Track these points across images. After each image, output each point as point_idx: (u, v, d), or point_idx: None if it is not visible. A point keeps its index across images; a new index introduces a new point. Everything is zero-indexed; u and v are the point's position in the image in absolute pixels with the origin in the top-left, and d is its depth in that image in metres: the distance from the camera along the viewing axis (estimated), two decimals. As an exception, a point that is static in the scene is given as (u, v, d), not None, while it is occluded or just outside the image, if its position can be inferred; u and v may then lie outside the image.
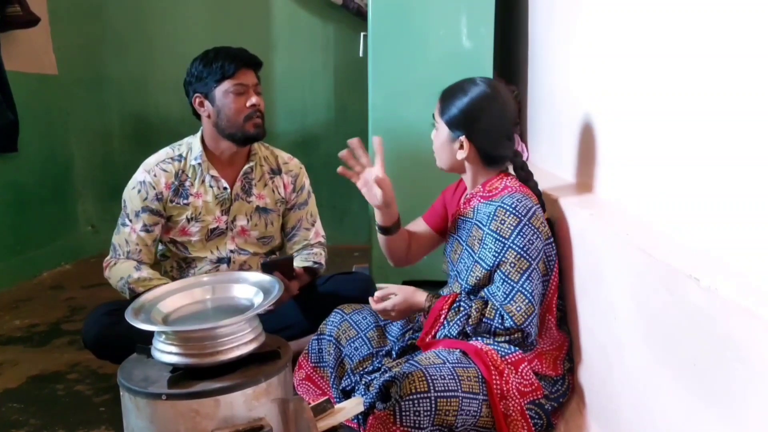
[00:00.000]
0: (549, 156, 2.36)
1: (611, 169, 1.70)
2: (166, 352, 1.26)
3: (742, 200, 1.07)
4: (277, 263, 1.96)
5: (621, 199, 1.62)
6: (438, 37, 2.47)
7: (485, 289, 1.66)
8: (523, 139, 2.75)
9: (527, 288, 1.59)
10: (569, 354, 1.72)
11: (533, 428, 1.58)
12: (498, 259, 1.62)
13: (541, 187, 1.96)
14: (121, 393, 1.27)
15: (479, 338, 1.64)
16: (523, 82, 2.74)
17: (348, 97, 3.82)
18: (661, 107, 1.37)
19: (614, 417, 1.46)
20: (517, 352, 1.61)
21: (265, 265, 1.94)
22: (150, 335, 1.32)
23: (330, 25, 3.79)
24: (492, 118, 1.68)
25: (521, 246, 1.60)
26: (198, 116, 2.09)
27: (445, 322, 1.68)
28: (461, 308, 1.67)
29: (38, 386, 2.11)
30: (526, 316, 1.59)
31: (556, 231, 1.79)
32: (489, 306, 1.63)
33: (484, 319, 1.62)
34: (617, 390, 1.44)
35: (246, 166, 2.12)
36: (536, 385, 1.61)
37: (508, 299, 1.60)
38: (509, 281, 1.60)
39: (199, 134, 2.11)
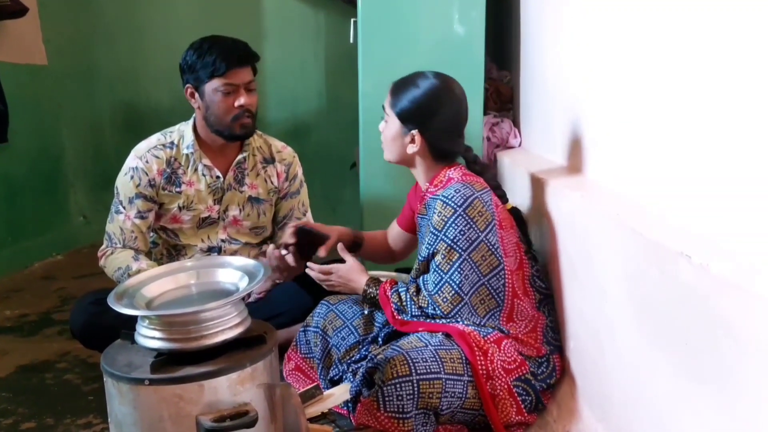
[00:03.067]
0: (541, 140, 2.35)
1: (602, 152, 1.69)
2: (149, 337, 1.24)
3: (731, 179, 1.07)
4: (312, 235, 1.89)
5: (611, 181, 1.61)
6: (429, 22, 2.44)
7: (421, 277, 1.68)
8: (516, 125, 2.73)
9: (455, 279, 1.60)
10: (546, 333, 1.70)
11: (522, 405, 1.57)
12: (431, 250, 1.64)
13: (532, 170, 1.96)
14: (104, 379, 1.25)
15: (459, 321, 1.64)
16: (516, 68, 2.73)
17: (339, 85, 3.80)
18: (650, 89, 1.37)
19: (606, 400, 1.46)
20: (496, 332, 1.61)
21: (302, 230, 1.89)
22: (135, 322, 1.31)
23: (321, 13, 3.76)
24: (445, 113, 1.68)
25: (451, 237, 1.61)
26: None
27: (395, 307, 1.68)
28: (401, 296, 1.68)
29: (27, 375, 2.10)
30: (452, 306, 1.61)
31: (546, 215, 1.78)
32: (421, 294, 1.65)
33: (421, 308, 1.65)
34: (609, 372, 1.44)
35: (239, 156, 2.11)
36: (520, 360, 1.60)
37: (437, 289, 1.62)
38: (439, 271, 1.62)
39: (191, 122, 2.09)
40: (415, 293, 1.67)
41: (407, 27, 2.46)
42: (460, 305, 1.61)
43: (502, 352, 1.59)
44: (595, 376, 1.54)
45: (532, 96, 2.49)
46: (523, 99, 2.63)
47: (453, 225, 1.60)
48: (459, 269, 1.60)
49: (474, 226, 1.61)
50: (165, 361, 1.22)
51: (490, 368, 1.56)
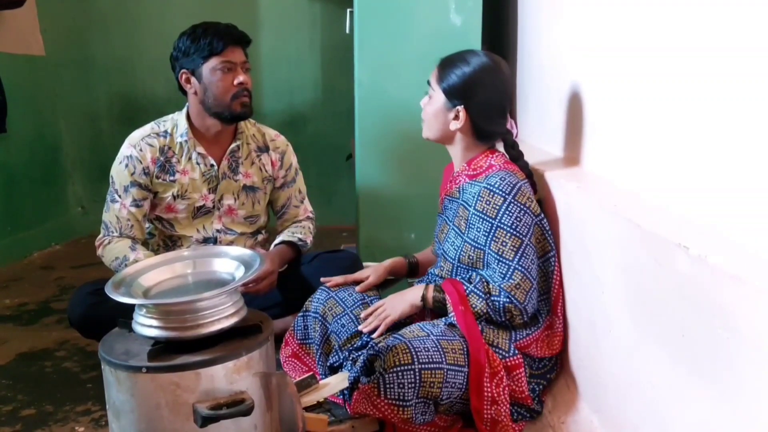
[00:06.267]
0: (537, 131, 2.35)
1: (599, 142, 1.69)
2: (146, 326, 1.25)
3: (730, 168, 1.07)
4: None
5: (608, 172, 1.61)
6: (425, 12, 2.43)
7: (482, 272, 1.64)
8: (513, 116, 2.73)
9: (523, 265, 1.58)
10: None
11: (522, 425, 1.59)
12: (489, 239, 1.61)
13: (529, 161, 1.95)
14: (102, 366, 1.27)
15: (529, 311, 1.61)
16: (513, 58, 2.72)
17: (335, 75, 3.79)
18: (648, 78, 1.36)
19: (602, 392, 1.46)
20: (517, 356, 1.60)
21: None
22: (133, 311, 1.32)
23: (316, 3, 3.75)
24: (492, 91, 1.66)
25: (509, 224, 1.58)
26: (184, 92, 2.07)
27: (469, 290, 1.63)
28: (471, 278, 1.65)
29: (27, 363, 2.11)
30: (525, 293, 1.58)
31: (544, 207, 1.78)
32: (491, 285, 1.61)
33: (492, 297, 1.60)
34: (604, 364, 1.44)
35: (233, 145, 2.11)
36: (526, 394, 1.60)
37: (507, 278, 1.58)
38: (504, 261, 1.59)
39: (184, 111, 2.09)
40: (483, 282, 1.61)
41: (403, 17, 2.45)
42: (531, 290, 1.58)
43: (512, 380, 1.58)
44: (590, 367, 1.54)
45: (528, 86, 2.48)
46: (520, 90, 2.63)
47: (507, 212, 1.58)
48: (524, 255, 1.58)
49: (528, 211, 1.60)
50: (162, 349, 1.24)
51: (495, 393, 1.54)
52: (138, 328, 1.27)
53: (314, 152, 3.76)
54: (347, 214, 3.58)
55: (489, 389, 1.54)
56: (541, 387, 1.65)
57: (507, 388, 1.56)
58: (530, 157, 2.02)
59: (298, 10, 3.77)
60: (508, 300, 1.57)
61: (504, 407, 1.55)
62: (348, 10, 2.64)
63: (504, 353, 1.59)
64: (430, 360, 1.50)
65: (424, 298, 1.70)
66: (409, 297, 1.73)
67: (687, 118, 1.20)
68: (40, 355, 2.18)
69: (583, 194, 1.55)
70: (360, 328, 1.77)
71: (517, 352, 1.60)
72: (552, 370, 1.68)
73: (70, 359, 2.13)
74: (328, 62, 3.83)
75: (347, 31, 2.67)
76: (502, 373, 1.56)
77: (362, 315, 1.79)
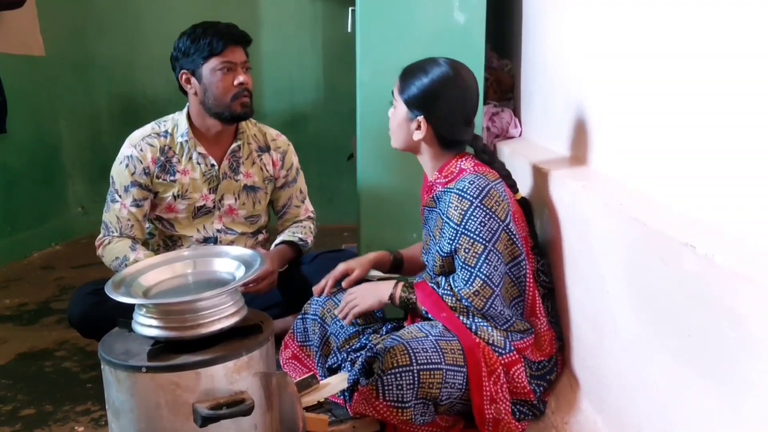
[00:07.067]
0: (541, 129, 2.34)
1: (604, 141, 1.68)
2: (146, 326, 1.24)
3: (736, 167, 1.06)
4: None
5: (614, 171, 1.60)
6: (428, 10, 2.42)
7: (450, 277, 1.65)
8: (517, 114, 2.72)
9: (484, 271, 1.57)
10: (552, 328, 1.70)
11: (524, 423, 1.58)
12: (453, 246, 1.61)
13: (533, 160, 1.94)
14: (102, 366, 1.26)
15: (490, 317, 1.60)
16: (517, 56, 2.71)
17: (337, 74, 3.78)
18: (654, 78, 1.36)
19: (606, 392, 1.45)
20: (513, 353, 1.59)
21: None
22: (133, 311, 1.31)
23: (318, 1, 3.75)
24: (451, 101, 1.65)
25: (473, 230, 1.57)
26: (184, 92, 2.06)
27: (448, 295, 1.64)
28: (440, 283, 1.66)
29: (27, 363, 2.11)
30: (484, 300, 1.57)
31: (547, 205, 1.77)
32: (454, 290, 1.61)
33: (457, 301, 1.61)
34: (609, 364, 1.43)
35: (233, 145, 2.11)
36: (528, 389, 1.59)
37: (468, 285, 1.58)
38: (467, 267, 1.58)
39: (185, 111, 2.09)
40: (449, 284, 1.63)
41: (406, 15, 2.43)
42: (492, 298, 1.57)
43: (510, 377, 1.57)
44: (594, 367, 1.53)
45: (533, 85, 2.47)
46: (524, 88, 2.62)
47: (472, 217, 1.57)
48: (486, 261, 1.56)
49: (494, 216, 1.58)
50: (162, 349, 1.23)
51: (493, 391, 1.54)
52: (138, 328, 1.26)
53: (315, 152, 3.75)
54: (348, 213, 3.56)
55: (488, 388, 1.53)
56: (542, 389, 1.64)
57: (505, 386, 1.56)
58: (535, 156, 2.02)
59: (300, 9, 3.77)
60: (469, 305, 1.58)
61: (504, 405, 1.54)
62: (350, 9, 2.63)
63: (500, 350, 1.58)
64: (429, 361, 1.49)
65: (392, 296, 1.70)
66: (379, 293, 1.72)
67: (694, 117, 1.19)
68: (39, 355, 2.17)
69: (589, 193, 1.53)
70: (336, 312, 1.78)
71: (513, 348, 1.59)
72: (551, 371, 1.67)
73: (69, 359, 2.12)
74: (329, 61, 3.82)
75: (349, 29, 2.66)
76: (499, 370, 1.55)
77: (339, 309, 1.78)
